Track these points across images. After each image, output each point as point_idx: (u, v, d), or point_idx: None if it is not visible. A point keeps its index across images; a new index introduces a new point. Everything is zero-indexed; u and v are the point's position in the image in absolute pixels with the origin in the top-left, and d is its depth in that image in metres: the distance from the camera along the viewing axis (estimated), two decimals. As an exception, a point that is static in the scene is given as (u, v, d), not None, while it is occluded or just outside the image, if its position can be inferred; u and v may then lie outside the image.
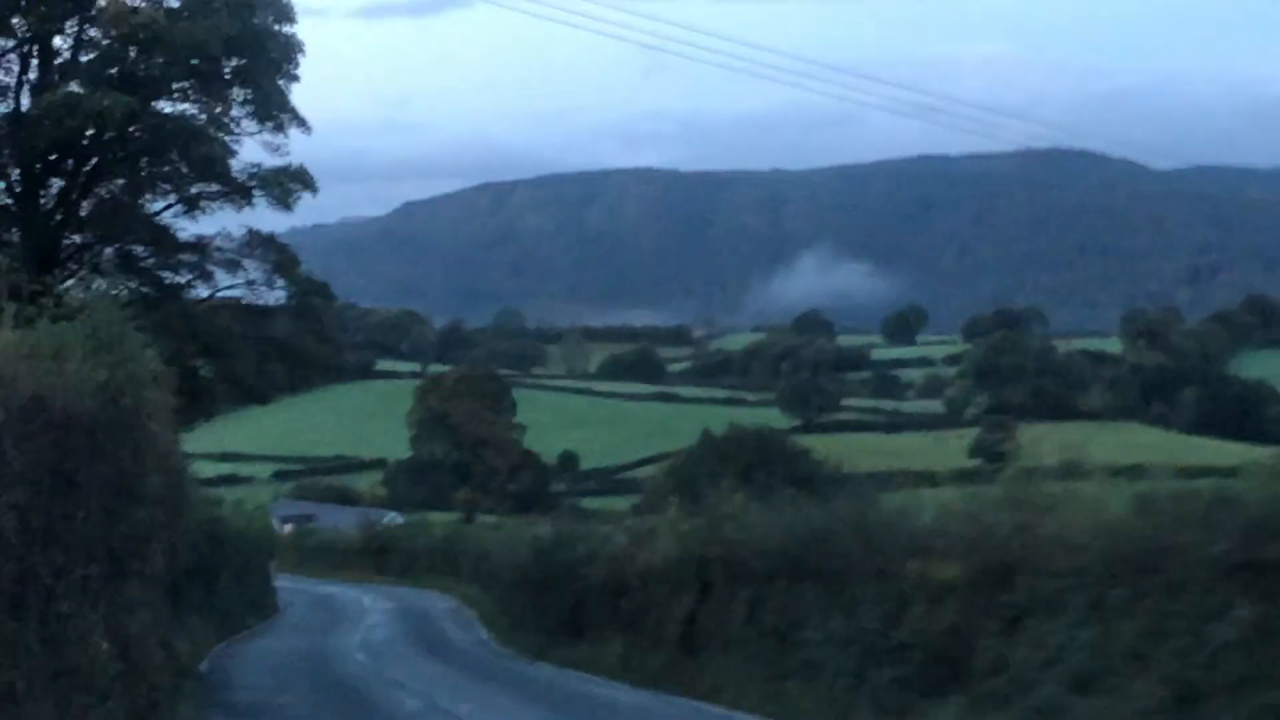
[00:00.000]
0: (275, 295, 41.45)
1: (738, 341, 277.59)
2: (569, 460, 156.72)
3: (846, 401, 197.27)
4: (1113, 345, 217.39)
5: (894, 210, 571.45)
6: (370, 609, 53.20)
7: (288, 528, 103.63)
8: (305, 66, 36.73)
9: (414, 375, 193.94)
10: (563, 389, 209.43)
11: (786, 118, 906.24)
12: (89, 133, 34.47)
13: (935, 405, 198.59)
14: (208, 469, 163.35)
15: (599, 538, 32.26)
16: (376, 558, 76.85)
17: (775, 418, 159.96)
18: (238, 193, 38.14)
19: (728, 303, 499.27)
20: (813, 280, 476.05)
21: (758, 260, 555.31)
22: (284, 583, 69.95)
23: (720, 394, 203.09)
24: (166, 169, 37.44)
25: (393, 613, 51.01)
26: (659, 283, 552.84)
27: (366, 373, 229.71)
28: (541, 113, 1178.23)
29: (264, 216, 39.37)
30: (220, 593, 36.72)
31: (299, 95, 37.42)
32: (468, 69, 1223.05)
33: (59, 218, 36.41)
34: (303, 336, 42.09)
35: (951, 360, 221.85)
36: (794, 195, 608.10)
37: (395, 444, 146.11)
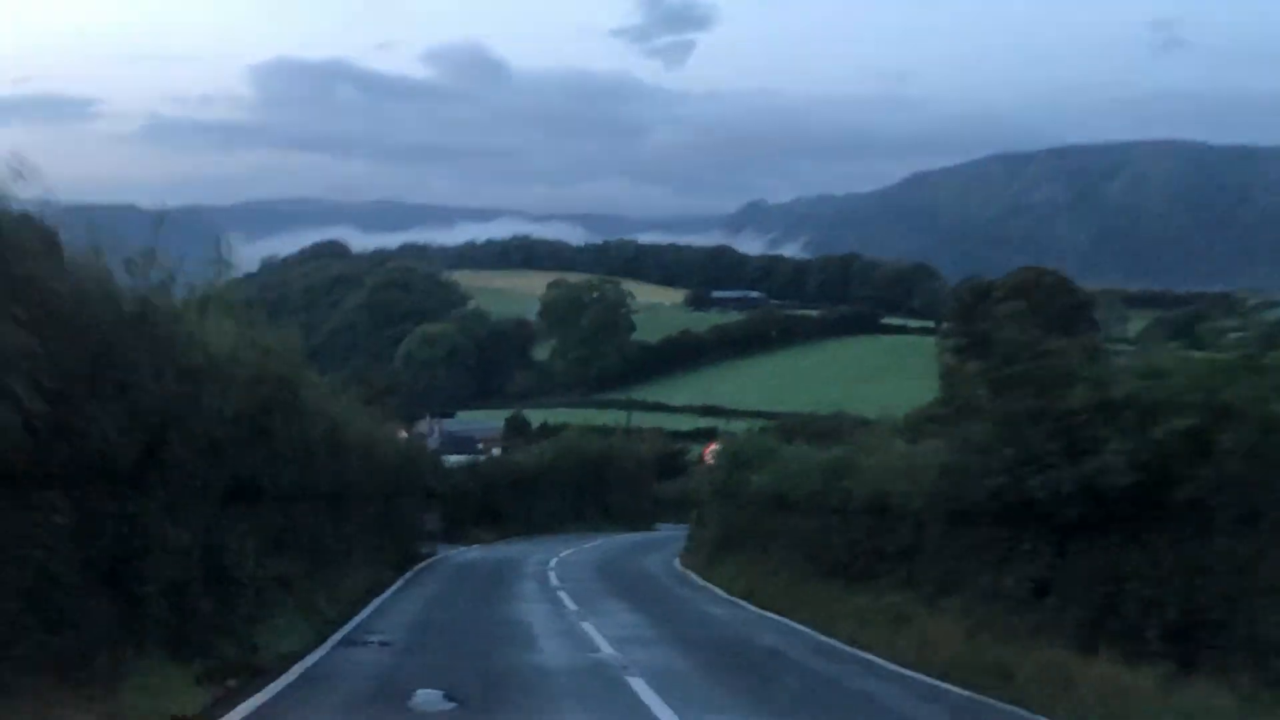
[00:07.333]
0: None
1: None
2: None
3: None
4: None
5: None
6: None
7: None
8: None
9: (926, 331, 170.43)
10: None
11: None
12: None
13: None
14: (686, 422, 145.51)
15: None
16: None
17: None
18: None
19: (1261, 283, 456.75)
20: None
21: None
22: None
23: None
24: None
25: None
26: (1185, 259, 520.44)
27: (871, 326, 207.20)
28: (1050, 87, 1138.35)
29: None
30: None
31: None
32: (970, 44, 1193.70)
33: None
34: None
35: None
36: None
37: (908, 403, 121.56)
